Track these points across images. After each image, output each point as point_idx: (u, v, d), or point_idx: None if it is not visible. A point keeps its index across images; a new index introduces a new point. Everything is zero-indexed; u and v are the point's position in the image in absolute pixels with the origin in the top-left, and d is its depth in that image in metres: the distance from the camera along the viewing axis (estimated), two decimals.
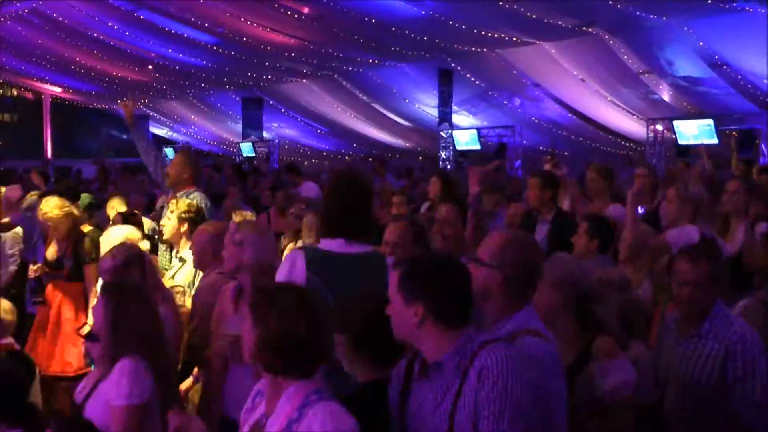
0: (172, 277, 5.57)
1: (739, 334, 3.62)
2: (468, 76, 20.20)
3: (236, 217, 7.77)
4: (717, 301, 3.74)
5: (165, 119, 30.46)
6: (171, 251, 6.18)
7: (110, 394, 3.55)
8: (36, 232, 7.70)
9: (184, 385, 4.87)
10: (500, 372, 2.57)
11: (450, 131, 21.01)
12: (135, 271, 4.52)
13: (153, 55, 21.99)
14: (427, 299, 2.69)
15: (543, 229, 6.53)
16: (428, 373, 2.73)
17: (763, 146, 16.57)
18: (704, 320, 3.69)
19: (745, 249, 5.48)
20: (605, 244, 5.46)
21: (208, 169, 16.24)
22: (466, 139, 20.76)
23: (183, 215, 5.75)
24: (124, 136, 28.97)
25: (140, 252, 4.82)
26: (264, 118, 25.43)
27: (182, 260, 5.62)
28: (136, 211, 8.13)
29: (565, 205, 7.47)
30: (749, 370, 3.55)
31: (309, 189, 12.66)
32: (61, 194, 6.98)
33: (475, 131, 20.69)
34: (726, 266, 4.09)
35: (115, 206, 8.44)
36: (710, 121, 16.73)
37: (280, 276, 3.75)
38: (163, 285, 4.85)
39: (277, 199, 10.62)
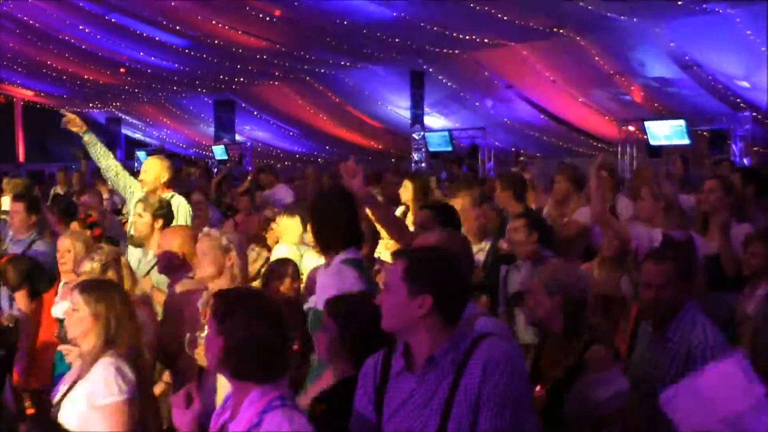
0: (147, 274, 5.54)
1: (701, 338, 3.62)
2: (440, 77, 20.25)
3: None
4: (687, 303, 3.74)
5: (137, 122, 30.29)
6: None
7: (96, 394, 3.52)
8: (7, 236, 7.56)
9: (157, 390, 4.83)
10: (506, 365, 2.60)
11: (422, 133, 21.02)
12: (112, 274, 4.55)
13: (125, 58, 21.84)
14: (435, 292, 2.67)
15: None
16: (415, 368, 2.70)
17: (733, 146, 16.72)
18: (671, 322, 3.69)
19: (721, 254, 5.49)
20: (545, 237, 5.67)
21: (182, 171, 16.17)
22: (438, 141, 20.78)
23: (157, 212, 5.74)
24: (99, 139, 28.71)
25: (117, 254, 4.84)
26: (236, 120, 25.33)
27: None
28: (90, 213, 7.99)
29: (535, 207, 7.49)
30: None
31: (283, 192, 12.59)
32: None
33: (447, 133, 20.72)
34: (701, 266, 4.08)
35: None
36: (682, 122, 16.83)
37: (333, 290, 3.73)
38: (139, 288, 4.87)
39: (242, 202, 10.50)
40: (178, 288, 4.89)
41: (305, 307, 4.21)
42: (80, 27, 19.70)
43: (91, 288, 3.80)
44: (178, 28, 18.65)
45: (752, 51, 15.60)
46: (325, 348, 3.38)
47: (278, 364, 2.73)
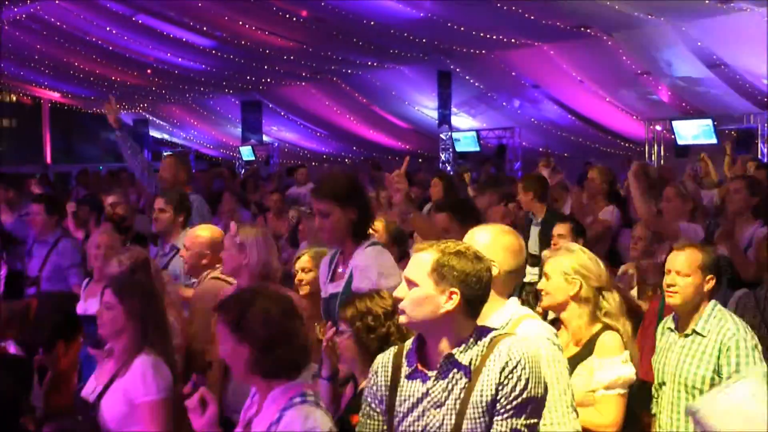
0: (165, 267, 5.60)
1: (732, 331, 3.65)
2: (467, 78, 20.21)
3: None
4: (713, 299, 3.79)
5: (164, 123, 30.46)
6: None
7: (135, 392, 3.57)
8: (31, 238, 7.68)
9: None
10: (524, 368, 2.57)
11: (449, 133, 21.01)
12: (141, 276, 4.51)
13: (151, 59, 21.96)
14: (464, 286, 2.65)
15: (536, 231, 6.66)
16: (430, 366, 2.69)
17: (761, 146, 16.59)
18: (700, 318, 3.73)
19: (734, 261, 5.49)
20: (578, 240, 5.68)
21: (204, 173, 16.27)
22: (465, 141, 20.77)
23: (178, 206, 5.82)
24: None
25: (147, 258, 4.85)
26: (263, 121, 25.40)
27: (174, 248, 5.64)
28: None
29: (567, 207, 7.52)
30: (742, 366, 3.59)
31: None
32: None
33: (474, 133, 20.70)
34: (721, 266, 4.11)
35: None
36: (709, 121, 16.73)
37: (374, 270, 3.87)
38: (167, 291, 4.86)
39: (272, 201, 10.53)
40: (203, 287, 4.92)
41: (324, 294, 4.20)
42: (107, 28, 19.84)
43: (124, 285, 3.84)
44: (204, 29, 18.75)
45: None
46: (347, 349, 3.39)
47: (300, 358, 2.76)
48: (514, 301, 3.19)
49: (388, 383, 2.74)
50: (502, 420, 2.56)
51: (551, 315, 4.31)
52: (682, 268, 3.78)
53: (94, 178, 16.32)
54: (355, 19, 16.74)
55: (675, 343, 3.86)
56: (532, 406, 2.59)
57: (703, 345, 3.70)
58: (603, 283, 3.66)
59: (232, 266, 4.36)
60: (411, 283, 2.67)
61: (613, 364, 3.44)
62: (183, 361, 4.59)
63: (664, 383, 3.86)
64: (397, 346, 2.83)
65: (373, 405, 2.77)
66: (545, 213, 6.79)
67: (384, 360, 2.81)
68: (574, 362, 3.43)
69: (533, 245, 6.69)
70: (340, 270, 4.07)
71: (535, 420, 2.62)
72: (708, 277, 3.79)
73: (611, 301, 3.64)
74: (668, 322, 3.99)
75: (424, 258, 2.66)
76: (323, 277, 4.21)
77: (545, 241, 6.43)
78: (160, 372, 3.64)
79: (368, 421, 2.78)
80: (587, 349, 3.51)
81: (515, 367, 2.56)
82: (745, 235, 5.83)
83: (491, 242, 3.15)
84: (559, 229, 5.94)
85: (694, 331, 3.74)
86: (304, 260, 4.84)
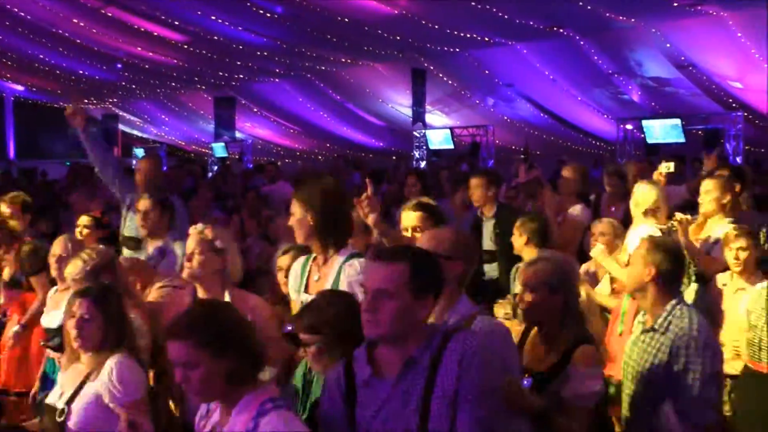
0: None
1: (686, 329, 3.71)
2: (441, 76, 20.29)
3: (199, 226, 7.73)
4: (677, 297, 3.85)
5: (135, 119, 30.19)
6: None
7: (109, 393, 3.56)
8: None
9: None
10: (482, 357, 2.59)
11: (423, 131, 21.06)
12: (106, 277, 4.38)
13: (121, 53, 21.67)
14: (435, 293, 2.68)
15: (489, 226, 6.69)
16: (385, 372, 2.67)
17: (727, 145, 16.87)
18: (660, 315, 3.80)
19: (695, 260, 5.60)
20: (540, 238, 5.76)
21: (176, 170, 16.13)
22: (439, 139, 20.84)
23: (165, 207, 5.75)
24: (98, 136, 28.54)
25: (112, 257, 4.71)
26: (236, 117, 25.28)
27: (162, 250, 5.59)
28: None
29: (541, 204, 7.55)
30: (691, 365, 3.64)
31: (284, 189, 12.60)
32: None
33: (448, 131, 20.78)
34: (685, 265, 4.17)
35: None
36: (678, 121, 17.00)
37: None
38: (134, 291, 4.72)
39: (248, 200, 10.39)
40: (161, 289, 4.81)
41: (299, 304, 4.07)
42: (74, 20, 19.41)
43: (102, 293, 3.79)
44: (177, 23, 18.58)
45: (744, 53, 15.81)
46: (314, 356, 3.26)
47: (263, 362, 2.76)
48: (466, 298, 3.24)
49: (345, 395, 2.70)
50: (464, 411, 2.56)
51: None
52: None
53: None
54: (330, 16, 16.73)
55: (638, 338, 3.93)
56: (493, 394, 2.64)
57: (660, 341, 3.75)
58: None
59: (207, 271, 4.12)
60: (383, 295, 2.60)
61: (587, 376, 3.45)
62: (150, 361, 4.48)
63: (626, 376, 3.93)
64: (345, 358, 2.77)
65: (332, 420, 2.74)
66: (496, 208, 6.83)
67: (335, 375, 2.76)
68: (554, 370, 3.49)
69: (487, 241, 6.73)
70: (315, 278, 3.95)
71: (496, 408, 2.66)
72: (650, 269, 3.84)
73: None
74: (640, 316, 4.05)
75: (398, 269, 2.61)
76: (294, 284, 4.08)
77: (499, 236, 6.54)
78: (135, 372, 3.65)
79: None
80: (565, 360, 3.51)
81: (472, 357, 2.57)
82: (714, 233, 5.92)
83: (455, 242, 3.22)
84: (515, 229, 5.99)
85: (653, 327, 3.81)
86: (284, 260, 4.78)
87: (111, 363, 3.61)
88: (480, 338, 2.68)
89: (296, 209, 3.94)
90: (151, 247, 5.76)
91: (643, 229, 5.51)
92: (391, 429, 2.60)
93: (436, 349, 2.60)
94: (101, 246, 5.02)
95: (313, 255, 4.05)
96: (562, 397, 3.38)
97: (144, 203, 5.78)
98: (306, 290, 3.95)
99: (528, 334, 3.67)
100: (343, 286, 3.75)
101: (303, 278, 4.01)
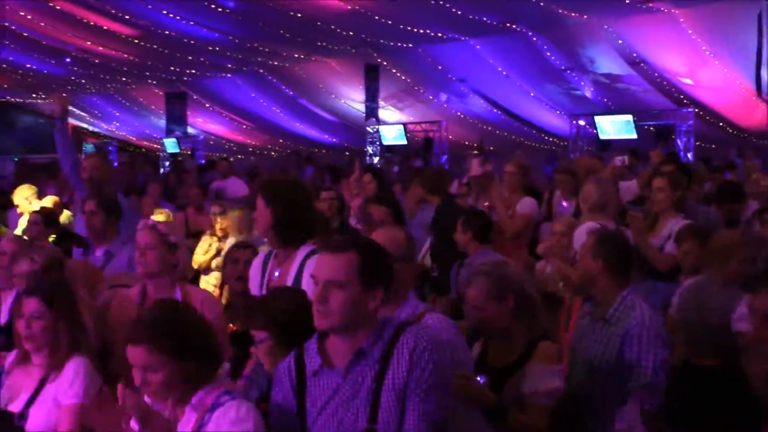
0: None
1: (638, 319, 3.77)
2: (394, 71, 20.30)
3: (157, 216, 7.65)
4: (626, 288, 3.88)
5: (84, 114, 29.78)
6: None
7: (69, 394, 3.50)
8: None
9: None
10: (432, 352, 2.62)
11: (377, 126, 21.06)
12: (55, 276, 4.31)
13: (71, 47, 21.34)
14: (385, 284, 2.69)
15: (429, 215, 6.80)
16: (335, 363, 2.68)
17: (678, 141, 17.09)
18: (611, 306, 3.84)
19: (649, 255, 5.65)
20: (483, 234, 5.90)
21: (126, 167, 15.99)
22: (392, 135, 20.84)
23: (111, 209, 5.67)
24: (43, 132, 28.05)
25: (61, 257, 4.70)
26: (188, 113, 25.04)
27: (108, 253, 5.52)
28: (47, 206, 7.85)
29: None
30: (644, 354, 3.70)
31: (237, 185, 12.52)
32: None
33: (401, 126, 20.79)
34: (634, 256, 4.19)
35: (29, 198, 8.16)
36: (629, 117, 17.17)
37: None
38: (81, 292, 4.64)
39: (192, 197, 10.30)
40: (110, 290, 4.75)
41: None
42: (21, 13, 18.97)
43: (51, 290, 3.70)
44: (127, 17, 18.33)
45: (695, 50, 16.04)
46: (266, 352, 3.26)
47: (217, 365, 2.77)
48: (413, 296, 3.32)
49: (295, 386, 2.72)
50: (414, 403, 2.59)
51: None
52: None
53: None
54: (283, 11, 16.63)
55: (588, 329, 3.97)
56: (442, 388, 2.66)
57: (610, 332, 3.82)
58: None
59: (161, 266, 4.14)
60: (334, 286, 2.62)
61: (546, 373, 3.46)
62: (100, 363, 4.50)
63: (575, 367, 3.95)
64: (296, 350, 2.80)
65: (282, 412, 2.74)
66: (441, 202, 6.92)
67: (286, 365, 2.78)
68: (513, 369, 3.50)
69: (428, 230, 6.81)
70: (275, 275, 3.95)
71: (445, 401, 2.68)
72: (597, 262, 3.88)
73: None
74: (587, 307, 4.10)
75: (348, 259, 2.63)
76: (255, 281, 4.08)
77: (437, 229, 6.58)
78: (92, 374, 3.58)
79: (281, 426, 2.74)
80: (523, 358, 3.52)
81: (423, 352, 2.60)
82: (666, 228, 5.97)
83: (408, 243, 3.27)
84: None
85: (604, 318, 3.85)
86: (241, 253, 4.79)
87: (72, 363, 3.55)
88: (431, 333, 2.71)
89: (260, 203, 3.93)
90: (98, 249, 5.67)
91: (588, 226, 5.58)
92: (340, 419, 2.63)
93: (388, 341, 2.64)
94: (50, 244, 4.97)
95: (274, 252, 4.05)
96: (521, 395, 3.40)
97: (88, 205, 5.70)
98: (267, 287, 3.95)
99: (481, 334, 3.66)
100: (305, 283, 3.70)
101: (264, 275, 4.01)
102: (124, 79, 25.06)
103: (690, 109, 17.32)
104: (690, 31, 15.74)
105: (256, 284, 4.06)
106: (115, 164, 21.48)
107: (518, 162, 7.26)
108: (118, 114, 28.98)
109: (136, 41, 20.13)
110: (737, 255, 4.71)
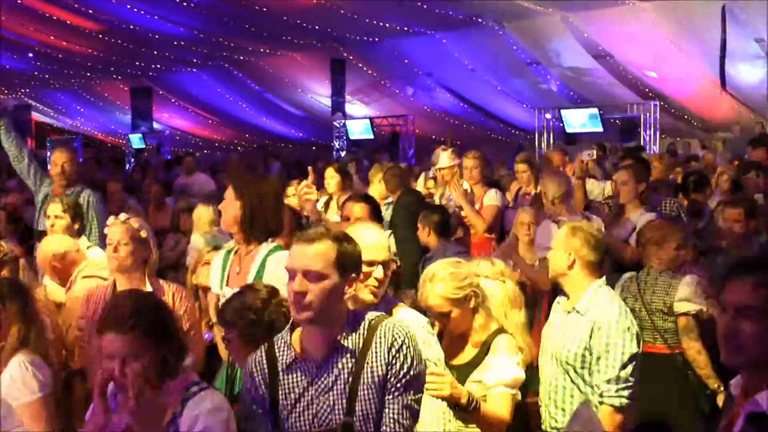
0: None
1: (607, 312, 3.78)
2: (360, 65, 20.27)
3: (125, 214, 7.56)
4: (598, 281, 3.90)
5: (48, 109, 29.45)
6: None
7: (13, 392, 3.42)
8: None
9: None
10: (409, 347, 2.65)
11: (343, 121, 21.03)
12: (7, 273, 4.35)
13: (34, 42, 21.08)
14: (357, 273, 2.73)
15: (387, 214, 6.91)
16: (309, 355, 2.68)
17: (643, 134, 17.25)
18: (581, 297, 3.85)
19: (612, 247, 5.71)
20: (441, 229, 6.06)
21: (90, 162, 15.84)
22: (359, 129, 20.83)
23: (76, 213, 5.61)
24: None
25: (16, 255, 4.67)
26: (154, 108, 24.85)
27: None
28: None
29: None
30: (611, 347, 3.71)
31: (203, 181, 12.43)
32: None
33: (368, 121, 20.78)
34: (605, 249, 4.22)
35: None
36: (595, 110, 17.31)
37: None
38: (38, 289, 4.57)
39: (154, 193, 10.19)
40: (78, 286, 4.73)
41: (219, 295, 4.03)
42: None
43: (2, 287, 3.69)
44: (90, 11, 18.14)
45: (659, 43, 16.17)
46: (234, 348, 3.29)
47: (184, 357, 2.77)
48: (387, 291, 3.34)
49: (267, 380, 2.70)
50: (393, 397, 2.61)
51: None
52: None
53: None
54: (248, 5, 16.54)
55: (558, 319, 3.99)
56: (418, 381, 2.69)
57: (579, 323, 3.83)
58: None
59: (134, 261, 4.13)
60: (313, 274, 2.61)
61: (508, 364, 3.48)
62: (58, 360, 4.44)
63: (546, 359, 3.98)
64: (266, 343, 2.78)
65: (254, 406, 2.73)
66: (398, 197, 7.00)
67: (256, 359, 2.75)
68: (474, 363, 3.52)
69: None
70: (236, 271, 3.93)
71: (421, 395, 2.71)
72: (569, 254, 3.91)
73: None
74: (559, 298, 4.12)
75: (323, 249, 2.63)
76: (215, 278, 4.06)
77: (394, 225, 6.69)
78: (39, 370, 3.53)
79: (250, 424, 2.73)
80: (483, 352, 3.54)
81: (401, 346, 2.63)
82: (631, 221, 6.03)
83: (381, 236, 3.26)
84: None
85: (574, 308, 3.87)
86: (213, 255, 4.77)
87: (15, 360, 3.47)
88: (407, 328, 2.73)
89: (229, 196, 3.90)
90: None
91: (542, 225, 5.66)
92: (316, 412, 2.62)
93: (365, 334, 2.65)
94: (2, 242, 4.91)
95: (235, 248, 4.02)
96: (485, 386, 3.42)
97: (52, 209, 5.61)
98: (227, 284, 3.93)
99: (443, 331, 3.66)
100: (267, 279, 3.70)
101: (224, 272, 3.97)
102: (88, 74, 24.80)
103: (655, 102, 17.49)
104: (655, 25, 15.87)
105: (216, 281, 4.03)
106: (80, 160, 21.25)
107: (476, 154, 7.25)
108: (82, 109, 28.68)
109: (101, 36, 19.92)
110: (671, 243, 4.93)
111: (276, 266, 3.73)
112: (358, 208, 4.72)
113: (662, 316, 4.82)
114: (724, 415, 2.28)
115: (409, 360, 2.63)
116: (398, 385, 2.62)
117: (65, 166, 6.41)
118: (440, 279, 3.55)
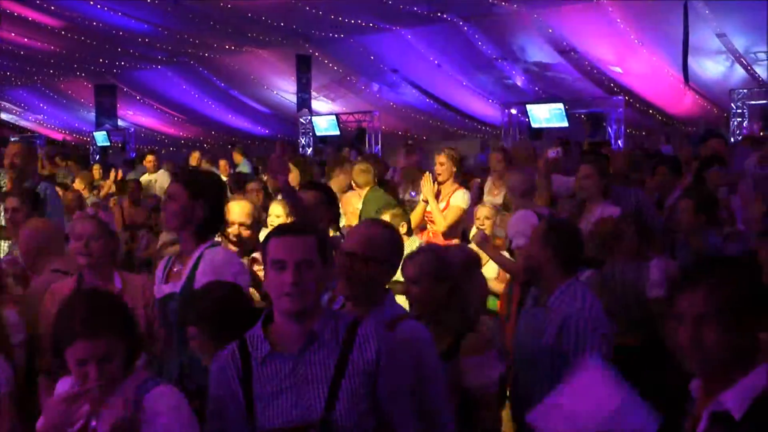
0: None
1: (578, 308, 3.77)
2: (326, 62, 20.22)
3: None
4: (572, 277, 3.91)
5: (11, 107, 29.05)
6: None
7: None
8: None
9: None
10: (396, 357, 2.71)
11: (309, 117, 20.98)
12: None
13: None
14: (332, 261, 2.83)
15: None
16: (285, 348, 2.66)
17: (609, 129, 17.37)
18: (552, 293, 3.86)
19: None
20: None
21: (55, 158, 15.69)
22: (325, 125, 20.79)
23: (33, 205, 5.54)
24: None
25: None
26: (118, 105, 24.55)
27: None
28: None
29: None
30: (580, 345, 3.70)
31: (166, 178, 12.33)
32: None
33: (334, 117, 20.74)
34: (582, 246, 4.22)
35: None
36: (561, 105, 17.39)
37: (229, 276, 3.55)
38: (7, 285, 4.56)
39: (129, 189, 10.19)
40: (43, 280, 4.66)
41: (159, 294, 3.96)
42: None
43: None
44: (52, 8, 17.89)
45: (624, 39, 16.30)
46: (199, 347, 3.27)
47: (139, 355, 2.78)
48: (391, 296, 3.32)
49: (240, 374, 2.68)
50: (382, 385, 2.64)
51: None
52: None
53: None
54: (212, 2, 16.43)
55: (530, 315, 3.99)
56: (406, 369, 2.76)
57: (549, 319, 3.83)
58: None
59: (104, 255, 4.06)
60: (307, 264, 2.63)
61: (484, 364, 3.46)
62: (26, 357, 4.38)
63: (517, 354, 3.98)
64: (238, 339, 2.75)
65: (224, 402, 2.71)
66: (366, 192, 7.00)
67: (228, 355, 2.73)
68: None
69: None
70: (175, 269, 3.83)
71: (409, 382, 2.78)
72: (546, 250, 3.92)
73: None
74: (533, 293, 4.12)
75: (311, 240, 2.67)
76: (159, 276, 3.96)
77: (362, 216, 6.75)
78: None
79: (218, 421, 2.71)
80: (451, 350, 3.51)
81: (389, 357, 2.66)
82: (595, 214, 6.05)
83: (389, 244, 3.23)
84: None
85: (546, 305, 3.87)
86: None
87: None
88: (395, 340, 2.80)
89: (182, 195, 3.75)
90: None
91: (519, 214, 5.63)
92: (293, 405, 2.61)
93: (345, 329, 2.67)
94: None
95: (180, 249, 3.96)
96: (465, 389, 3.41)
97: (10, 201, 5.55)
98: (166, 281, 3.85)
99: None
100: (201, 273, 3.62)
101: (165, 269, 3.91)
102: (51, 71, 24.46)
103: (620, 97, 17.62)
104: (618, 21, 15.98)
105: (158, 279, 3.95)
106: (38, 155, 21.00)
107: (449, 153, 7.21)
108: (45, 107, 28.30)
109: (63, 33, 19.65)
110: (628, 232, 5.07)
111: (215, 259, 3.68)
112: (310, 196, 4.70)
113: (635, 306, 4.86)
114: (687, 417, 2.27)
115: (394, 371, 2.68)
116: (386, 373, 2.64)
117: (15, 159, 6.36)
118: (426, 250, 3.68)
